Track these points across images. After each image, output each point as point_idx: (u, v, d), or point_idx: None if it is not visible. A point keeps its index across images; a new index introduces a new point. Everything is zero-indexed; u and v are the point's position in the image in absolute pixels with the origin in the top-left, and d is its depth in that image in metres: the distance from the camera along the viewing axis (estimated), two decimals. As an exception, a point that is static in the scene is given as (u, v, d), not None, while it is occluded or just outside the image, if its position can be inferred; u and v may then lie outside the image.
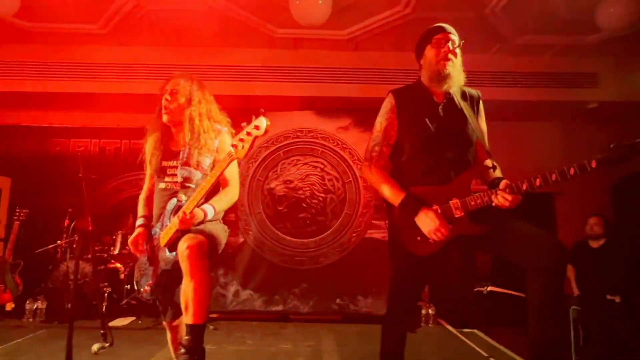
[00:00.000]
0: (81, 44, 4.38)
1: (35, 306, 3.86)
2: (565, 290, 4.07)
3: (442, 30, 1.72)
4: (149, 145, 2.02)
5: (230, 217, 4.23)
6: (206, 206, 1.83)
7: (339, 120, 4.48)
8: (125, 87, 4.42)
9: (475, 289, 4.28)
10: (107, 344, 2.29)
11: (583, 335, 2.51)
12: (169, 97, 1.92)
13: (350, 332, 3.73)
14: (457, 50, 1.70)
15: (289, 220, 4.36)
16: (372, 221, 4.28)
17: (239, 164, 1.88)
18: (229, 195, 1.92)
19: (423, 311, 4.13)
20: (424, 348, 3.25)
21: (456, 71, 1.69)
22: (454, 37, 1.71)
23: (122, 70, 4.43)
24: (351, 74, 4.40)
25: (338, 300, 4.21)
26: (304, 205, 4.37)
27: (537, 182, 1.48)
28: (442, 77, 1.67)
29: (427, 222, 1.59)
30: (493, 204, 1.55)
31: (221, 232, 1.95)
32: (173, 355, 2.00)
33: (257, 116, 1.65)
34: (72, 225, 2.20)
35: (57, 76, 4.42)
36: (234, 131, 2.00)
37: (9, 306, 4.02)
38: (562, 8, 3.64)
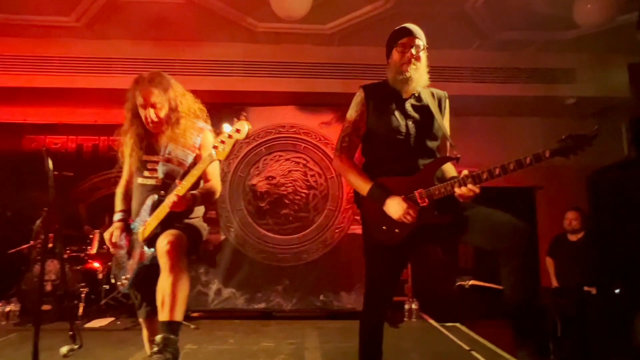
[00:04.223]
0: (56, 37, 4.24)
1: (7, 309, 3.73)
2: (544, 282, 4.16)
3: (408, 33, 1.78)
4: (129, 142, 1.99)
5: (211, 214, 4.16)
6: (197, 194, 1.87)
7: (322, 116, 4.44)
8: (102, 82, 4.31)
9: (458, 283, 4.32)
10: (76, 346, 2.22)
11: (560, 326, 2.56)
12: (152, 115, 1.90)
13: (333, 328, 3.71)
14: (422, 54, 1.77)
15: (271, 216, 4.31)
16: (355, 217, 4.26)
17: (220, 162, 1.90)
18: (214, 188, 1.96)
19: (406, 306, 4.15)
20: (407, 342, 3.26)
21: (418, 74, 1.76)
22: (419, 41, 1.77)
23: (98, 64, 4.31)
24: (333, 69, 4.38)
25: (321, 297, 4.19)
26: (287, 201, 4.33)
27: (497, 171, 1.54)
28: (404, 80, 1.75)
29: (395, 208, 1.64)
30: (456, 194, 1.61)
31: (201, 230, 1.97)
32: (148, 354, 1.95)
33: (239, 119, 1.70)
34: (38, 223, 2.13)
35: (31, 70, 4.27)
36: (211, 128, 2.04)
37: (-19, 309, 3.87)
38: (541, 4, 3.68)
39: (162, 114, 1.91)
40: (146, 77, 1.92)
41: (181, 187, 1.77)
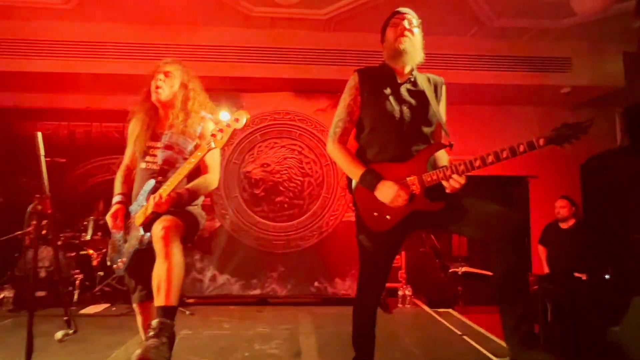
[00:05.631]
0: (44, 20, 4.13)
1: (1, 295, 3.72)
2: (536, 269, 4.22)
3: (399, 12, 1.82)
4: (135, 126, 2.04)
5: (206, 201, 4.13)
6: (183, 192, 1.86)
7: (317, 102, 4.42)
8: (93, 67, 4.22)
9: (451, 270, 4.38)
10: (71, 331, 2.23)
11: (551, 311, 2.61)
12: (162, 77, 1.97)
13: (327, 314, 3.76)
14: (415, 30, 1.78)
15: (266, 203, 4.31)
16: (350, 204, 4.28)
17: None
18: (207, 182, 1.96)
19: (400, 292, 4.20)
20: (400, 328, 3.31)
21: (412, 48, 1.75)
22: (410, 17, 1.79)
23: (89, 48, 4.21)
24: (329, 55, 4.32)
25: (316, 283, 4.23)
26: (282, 188, 4.33)
27: (490, 158, 1.53)
28: (398, 52, 1.74)
29: (386, 192, 1.64)
30: (447, 188, 1.59)
31: (198, 217, 1.98)
32: (143, 340, 1.96)
33: (238, 109, 1.74)
34: (30, 208, 2.10)
35: (20, 54, 4.17)
36: (212, 117, 2.04)
37: (-25, 295, 3.87)
38: (538, -9, 3.65)
39: (173, 83, 1.97)
40: (172, 58, 2.05)
41: (166, 187, 1.78)
